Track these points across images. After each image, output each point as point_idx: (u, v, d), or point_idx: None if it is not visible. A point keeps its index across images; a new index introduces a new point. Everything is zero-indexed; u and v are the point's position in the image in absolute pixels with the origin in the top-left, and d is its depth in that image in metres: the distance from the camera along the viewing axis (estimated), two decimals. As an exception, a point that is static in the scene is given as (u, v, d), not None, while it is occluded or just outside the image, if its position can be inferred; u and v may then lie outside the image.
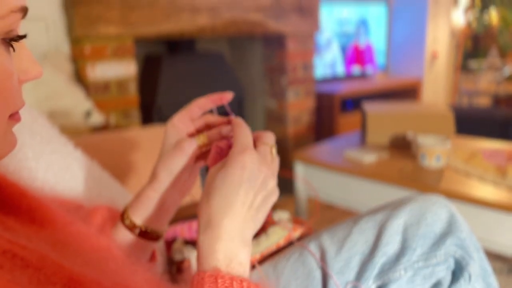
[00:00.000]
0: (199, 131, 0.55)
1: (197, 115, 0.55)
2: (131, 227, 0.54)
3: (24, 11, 0.37)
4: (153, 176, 0.54)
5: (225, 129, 0.52)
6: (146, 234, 0.54)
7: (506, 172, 1.36)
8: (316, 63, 2.88)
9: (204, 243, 0.42)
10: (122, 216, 0.55)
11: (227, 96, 0.53)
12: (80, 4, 1.69)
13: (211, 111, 0.55)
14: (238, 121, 0.50)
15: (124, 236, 0.54)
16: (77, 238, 0.47)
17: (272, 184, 0.45)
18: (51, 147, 0.76)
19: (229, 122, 0.52)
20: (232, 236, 0.42)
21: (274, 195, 0.46)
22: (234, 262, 0.41)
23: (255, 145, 0.47)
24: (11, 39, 0.37)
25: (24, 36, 0.38)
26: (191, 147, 0.52)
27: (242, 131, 0.47)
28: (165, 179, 0.53)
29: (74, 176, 0.77)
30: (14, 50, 0.37)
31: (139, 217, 0.54)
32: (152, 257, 0.60)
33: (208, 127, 0.55)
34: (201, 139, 0.52)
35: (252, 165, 0.44)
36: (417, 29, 3.58)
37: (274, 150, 0.48)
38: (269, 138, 0.49)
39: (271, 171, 0.46)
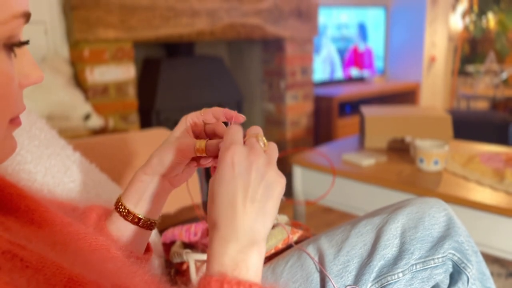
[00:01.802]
0: (206, 134, 0.57)
1: (210, 120, 0.56)
2: (125, 214, 0.55)
3: (26, 16, 0.37)
4: (147, 161, 0.55)
5: (222, 143, 0.52)
6: (140, 221, 0.55)
7: (504, 176, 1.37)
8: (315, 67, 2.89)
9: (211, 247, 0.42)
10: (116, 204, 0.56)
11: (240, 118, 0.53)
12: (79, 8, 1.70)
13: (225, 122, 0.56)
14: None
15: (119, 225, 0.55)
16: (76, 238, 0.47)
17: (271, 172, 0.44)
18: (50, 151, 0.77)
19: None
20: (238, 237, 0.41)
21: (277, 182, 0.44)
22: (241, 266, 0.40)
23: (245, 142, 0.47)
24: (13, 45, 0.37)
25: (26, 42, 0.38)
26: (187, 148, 0.53)
27: (229, 131, 0.47)
28: (155, 165, 0.54)
29: (72, 179, 0.78)
30: (15, 55, 0.38)
31: (132, 203, 0.55)
32: (147, 249, 0.61)
33: (214, 135, 0.56)
34: (200, 144, 0.53)
35: (240, 158, 0.43)
36: (415, 33, 3.60)
37: (261, 139, 0.47)
38: (253, 129, 0.48)
39: (264, 160, 0.44)
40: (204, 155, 0.53)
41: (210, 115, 0.55)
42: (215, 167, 0.53)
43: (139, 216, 0.55)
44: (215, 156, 0.53)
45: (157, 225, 0.58)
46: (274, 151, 0.47)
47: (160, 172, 0.54)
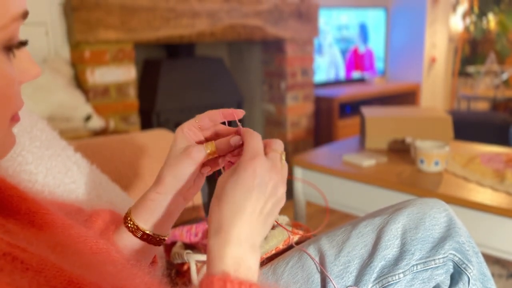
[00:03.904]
0: (207, 140, 0.55)
1: (207, 125, 0.55)
2: (134, 230, 0.54)
3: (25, 15, 0.37)
4: (159, 180, 0.53)
5: (233, 139, 0.51)
6: (149, 238, 0.54)
7: (504, 176, 1.37)
8: (315, 68, 2.89)
9: (214, 248, 0.42)
10: (125, 219, 0.55)
11: (239, 113, 0.53)
12: (80, 9, 1.70)
13: (223, 123, 0.55)
14: (248, 129, 0.50)
15: (127, 239, 0.54)
16: (77, 241, 0.47)
17: (282, 190, 0.46)
18: (51, 151, 0.77)
19: (237, 133, 0.52)
20: (242, 241, 0.43)
21: (282, 201, 0.47)
22: (243, 267, 0.42)
23: (265, 152, 0.47)
24: (13, 46, 0.37)
25: (25, 43, 0.38)
26: (199, 154, 0.52)
27: (253, 138, 0.47)
28: (170, 184, 0.52)
29: (73, 180, 0.78)
30: (14, 56, 0.38)
31: (142, 220, 0.54)
32: (153, 261, 0.60)
33: (217, 136, 0.55)
34: (209, 147, 0.52)
35: (263, 172, 0.44)
36: (415, 34, 3.60)
37: (284, 157, 0.49)
38: (279, 145, 0.49)
39: (281, 178, 0.46)
40: (216, 155, 0.53)
41: (206, 120, 0.54)
42: (229, 162, 0.53)
43: (148, 233, 0.54)
44: (227, 154, 0.53)
45: (166, 240, 0.58)
46: (286, 170, 0.49)
47: (175, 189, 0.53)
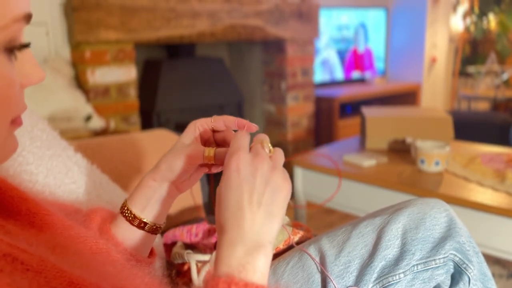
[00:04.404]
0: (216, 141, 0.57)
1: (220, 128, 0.56)
2: (131, 219, 0.55)
3: (27, 18, 0.37)
4: (155, 167, 0.55)
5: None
6: (145, 226, 0.56)
7: (505, 176, 1.37)
8: (316, 68, 2.89)
9: (219, 250, 0.42)
10: (122, 209, 0.56)
11: (252, 128, 0.54)
12: (81, 10, 1.70)
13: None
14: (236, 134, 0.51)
15: (124, 229, 0.55)
16: (77, 241, 0.47)
17: (276, 177, 0.45)
18: (52, 152, 0.77)
19: None
20: (245, 240, 0.42)
21: (282, 187, 0.45)
22: (248, 268, 0.41)
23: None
24: (14, 48, 0.37)
25: (27, 45, 0.38)
26: (196, 157, 0.54)
27: (234, 139, 0.48)
28: (164, 172, 0.54)
29: (74, 180, 0.78)
30: (16, 58, 0.37)
31: (139, 208, 0.55)
32: (151, 253, 0.61)
33: (224, 142, 0.57)
34: (209, 151, 0.53)
35: (244, 164, 0.44)
36: (416, 34, 3.60)
37: (267, 145, 0.48)
38: (259, 136, 0.49)
39: (269, 165, 0.45)
40: (212, 162, 0.54)
41: (221, 123, 0.56)
42: None
43: (145, 221, 0.55)
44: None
45: (162, 229, 0.59)
46: (279, 156, 0.48)
47: (169, 179, 0.55)
